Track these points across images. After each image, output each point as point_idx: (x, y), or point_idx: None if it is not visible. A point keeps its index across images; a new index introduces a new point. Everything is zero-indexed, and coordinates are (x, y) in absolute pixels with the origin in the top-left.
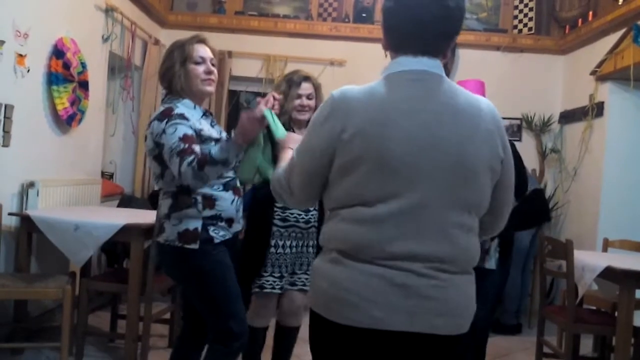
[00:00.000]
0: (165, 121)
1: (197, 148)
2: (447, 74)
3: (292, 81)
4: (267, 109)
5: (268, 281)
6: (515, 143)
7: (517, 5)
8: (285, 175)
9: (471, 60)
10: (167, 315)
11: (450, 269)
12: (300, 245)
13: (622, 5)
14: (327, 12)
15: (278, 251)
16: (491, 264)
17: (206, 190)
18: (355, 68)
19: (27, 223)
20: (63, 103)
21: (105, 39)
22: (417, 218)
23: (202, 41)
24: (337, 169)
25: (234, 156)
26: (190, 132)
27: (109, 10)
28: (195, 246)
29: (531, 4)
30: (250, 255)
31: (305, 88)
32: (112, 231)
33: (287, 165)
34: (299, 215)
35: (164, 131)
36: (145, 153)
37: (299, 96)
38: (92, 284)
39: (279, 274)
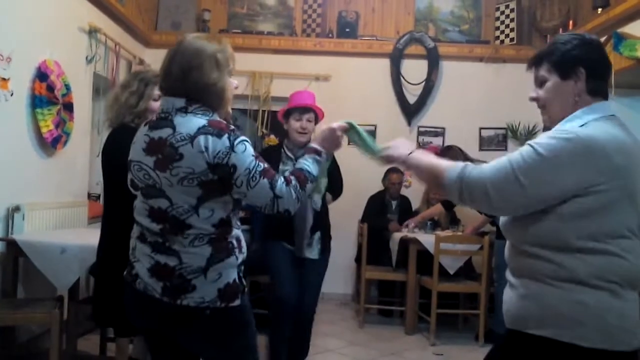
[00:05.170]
0: (227, 137)
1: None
2: (432, 87)
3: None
4: (351, 121)
5: None
6: (502, 152)
7: (499, 17)
8: (493, 184)
9: (454, 72)
10: None
11: None
12: None
13: (601, 14)
14: (310, 28)
15: None
16: (314, 254)
17: (235, 229)
18: (340, 82)
19: (13, 248)
20: (48, 126)
21: (89, 60)
22: None
23: None
24: (593, 205)
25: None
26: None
27: (92, 32)
28: (240, 302)
29: (512, 15)
30: None
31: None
32: None
33: (500, 178)
34: None
35: (231, 149)
36: (164, 180)
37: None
38: (81, 308)
39: None
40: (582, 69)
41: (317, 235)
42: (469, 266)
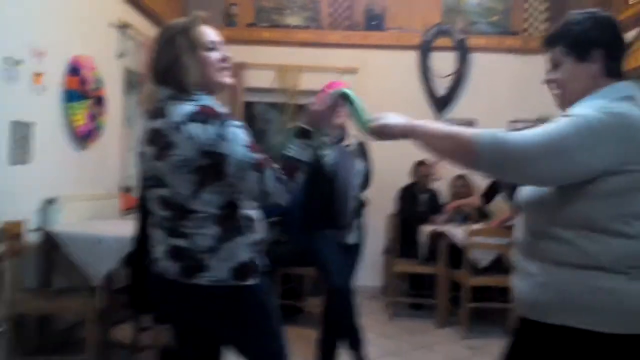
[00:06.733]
0: (216, 124)
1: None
2: (461, 79)
3: None
4: (346, 89)
5: None
6: None
7: (528, 8)
8: (533, 152)
9: (484, 64)
10: None
11: None
12: None
13: (634, 4)
14: (337, 21)
15: None
16: (354, 238)
17: (246, 210)
18: (367, 75)
19: (49, 239)
20: (80, 119)
21: (119, 55)
22: None
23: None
24: (626, 184)
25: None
26: (250, 138)
27: (122, 27)
28: (254, 281)
29: (542, 7)
30: None
31: None
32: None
33: (540, 146)
34: None
35: (221, 137)
36: (163, 169)
37: None
38: (116, 297)
39: None
40: (598, 50)
41: (357, 221)
42: (499, 259)
